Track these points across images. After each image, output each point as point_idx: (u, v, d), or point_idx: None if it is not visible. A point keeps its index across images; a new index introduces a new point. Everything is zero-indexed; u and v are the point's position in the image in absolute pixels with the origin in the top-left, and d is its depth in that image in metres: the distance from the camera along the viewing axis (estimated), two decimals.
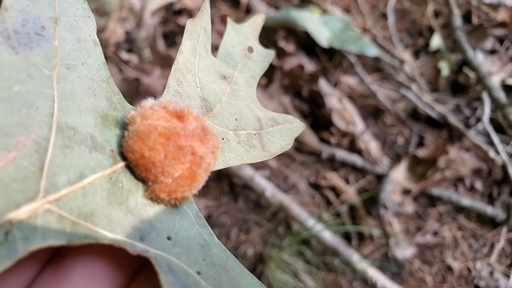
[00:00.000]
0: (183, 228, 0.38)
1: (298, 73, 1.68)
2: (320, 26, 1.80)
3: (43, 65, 0.36)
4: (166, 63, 1.83)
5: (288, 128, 0.52)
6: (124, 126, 0.40)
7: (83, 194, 0.35)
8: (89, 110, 0.38)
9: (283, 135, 0.51)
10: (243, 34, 0.57)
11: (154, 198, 0.38)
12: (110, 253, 0.36)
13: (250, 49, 0.56)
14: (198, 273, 0.36)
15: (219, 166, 0.43)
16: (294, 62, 1.74)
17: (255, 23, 0.59)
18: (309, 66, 1.83)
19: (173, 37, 2.05)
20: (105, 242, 0.33)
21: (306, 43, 1.94)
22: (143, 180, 0.39)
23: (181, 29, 2.05)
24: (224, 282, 0.36)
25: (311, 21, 1.79)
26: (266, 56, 0.57)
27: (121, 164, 0.38)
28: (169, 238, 0.37)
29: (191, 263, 0.36)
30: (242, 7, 2.01)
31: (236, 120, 0.48)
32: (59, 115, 0.35)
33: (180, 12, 2.10)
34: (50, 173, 0.33)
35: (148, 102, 0.40)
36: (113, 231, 0.34)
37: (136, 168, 0.38)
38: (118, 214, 0.35)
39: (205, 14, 0.49)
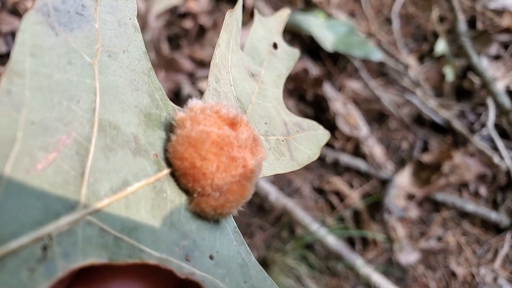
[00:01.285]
0: (223, 245, 0.35)
1: (303, 77, 1.68)
2: (325, 31, 1.81)
3: (84, 50, 0.32)
4: (170, 66, 1.84)
5: (313, 136, 0.49)
6: (169, 128, 0.36)
7: (126, 205, 0.31)
8: (132, 107, 0.34)
9: (309, 143, 0.48)
10: (269, 28, 0.53)
11: (198, 212, 0.34)
12: (146, 272, 0.33)
13: (275, 45, 0.53)
14: None
15: None
16: (298, 66, 1.74)
17: (280, 18, 0.55)
18: (314, 70, 1.83)
19: (177, 40, 2.05)
20: (151, 262, 0.30)
21: (311, 47, 1.94)
22: (187, 191, 0.35)
23: (185, 32, 2.05)
24: None
25: (316, 26, 1.79)
26: (291, 55, 0.54)
27: (166, 171, 0.34)
28: (211, 257, 0.34)
29: (235, 287, 0.33)
30: (247, 11, 2.01)
31: (266, 123, 0.44)
32: (101, 111, 0.32)
33: (184, 15, 2.11)
34: (91, 179, 0.30)
35: (197, 103, 0.36)
36: (158, 249, 0.31)
37: (183, 177, 0.34)
38: (163, 229, 0.32)
39: (239, 7, 0.47)
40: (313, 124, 0.51)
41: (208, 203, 0.34)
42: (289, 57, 0.54)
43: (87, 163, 0.30)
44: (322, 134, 0.50)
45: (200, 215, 0.35)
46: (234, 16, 0.45)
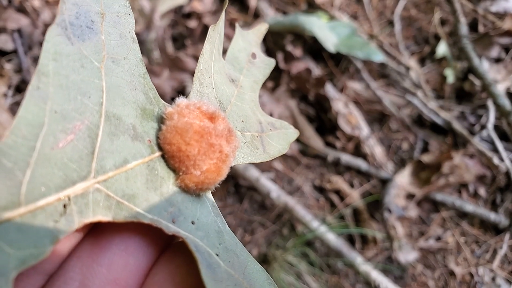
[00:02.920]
0: (203, 215, 0.43)
1: (305, 77, 1.70)
2: (327, 32, 1.83)
3: (93, 57, 0.40)
4: (175, 65, 1.86)
5: (284, 134, 0.56)
6: (160, 120, 0.44)
7: (126, 178, 0.39)
8: (131, 102, 0.42)
9: (280, 139, 0.55)
10: (248, 40, 0.60)
11: (183, 187, 0.42)
12: (142, 231, 0.41)
13: (254, 56, 0.60)
14: (217, 255, 0.40)
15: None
16: (301, 66, 1.76)
17: (259, 31, 0.63)
18: (316, 70, 1.85)
19: (182, 39, 2.08)
20: (145, 222, 0.38)
21: (313, 48, 1.97)
22: (174, 170, 0.43)
23: (190, 32, 2.08)
24: (236, 264, 0.41)
25: (319, 27, 1.82)
26: (267, 64, 0.61)
27: (157, 154, 0.42)
28: (193, 223, 0.41)
29: (211, 246, 0.41)
30: (251, 11, 2.04)
31: (243, 122, 0.52)
32: (107, 104, 0.40)
33: (189, 15, 2.14)
34: (99, 156, 0.38)
35: (183, 101, 0.44)
36: (150, 212, 0.39)
37: (171, 159, 0.42)
38: (154, 198, 0.40)
39: (221, 21, 0.54)
40: (285, 124, 0.58)
41: (190, 179, 0.42)
42: (265, 66, 0.61)
43: (96, 144, 0.38)
44: (292, 132, 0.57)
45: (184, 189, 0.43)
46: (216, 29, 0.52)
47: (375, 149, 1.71)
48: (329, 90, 1.81)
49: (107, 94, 0.40)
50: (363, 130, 1.74)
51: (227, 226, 0.44)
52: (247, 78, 0.57)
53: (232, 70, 0.56)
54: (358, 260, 1.48)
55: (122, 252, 0.39)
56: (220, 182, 0.44)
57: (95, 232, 0.41)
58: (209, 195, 0.45)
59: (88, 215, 0.35)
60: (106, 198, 0.37)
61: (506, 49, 2.01)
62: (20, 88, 1.58)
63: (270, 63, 0.61)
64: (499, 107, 1.71)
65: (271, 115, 1.76)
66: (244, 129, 0.52)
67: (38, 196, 0.33)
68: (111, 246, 0.39)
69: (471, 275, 1.60)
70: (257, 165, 1.72)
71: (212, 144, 0.42)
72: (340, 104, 1.75)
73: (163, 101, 0.45)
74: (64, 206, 0.34)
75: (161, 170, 0.42)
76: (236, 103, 0.53)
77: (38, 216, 0.33)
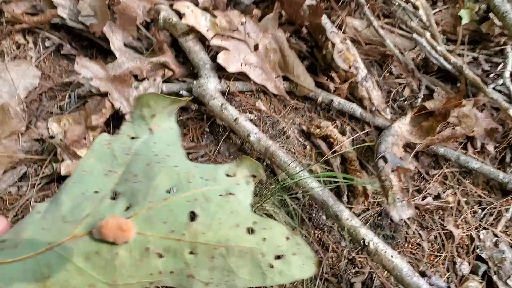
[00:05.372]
0: None
1: (297, 4, 1.45)
2: None
3: None
4: None
5: None
6: None
7: None
8: None
9: None
10: None
11: None
12: None
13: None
14: None
15: None
16: None
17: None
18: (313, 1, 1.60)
19: None
20: None
21: None
22: None
23: None
24: None
25: None
26: None
27: None
28: None
29: None
30: None
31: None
32: None
33: None
34: None
35: None
36: None
37: None
38: None
39: None
40: None
41: None
42: None
43: None
44: None
45: None
46: None
47: (373, 93, 1.49)
48: (327, 22, 1.56)
49: None
50: (361, 71, 1.51)
51: None
52: None
53: None
54: (346, 214, 1.27)
55: None
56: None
57: None
58: None
59: None
60: None
61: None
62: None
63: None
64: None
65: (256, 46, 1.52)
66: None
67: None
68: None
69: (471, 239, 1.41)
70: (237, 104, 1.50)
71: None
72: (337, 39, 1.51)
73: None
74: None
75: None
76: None
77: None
